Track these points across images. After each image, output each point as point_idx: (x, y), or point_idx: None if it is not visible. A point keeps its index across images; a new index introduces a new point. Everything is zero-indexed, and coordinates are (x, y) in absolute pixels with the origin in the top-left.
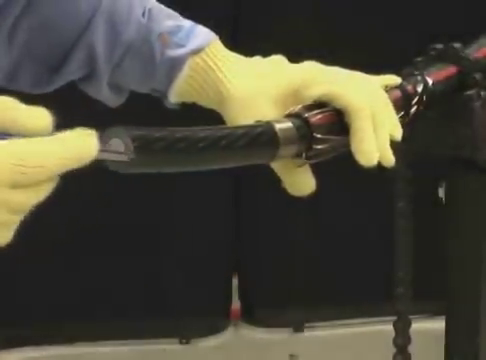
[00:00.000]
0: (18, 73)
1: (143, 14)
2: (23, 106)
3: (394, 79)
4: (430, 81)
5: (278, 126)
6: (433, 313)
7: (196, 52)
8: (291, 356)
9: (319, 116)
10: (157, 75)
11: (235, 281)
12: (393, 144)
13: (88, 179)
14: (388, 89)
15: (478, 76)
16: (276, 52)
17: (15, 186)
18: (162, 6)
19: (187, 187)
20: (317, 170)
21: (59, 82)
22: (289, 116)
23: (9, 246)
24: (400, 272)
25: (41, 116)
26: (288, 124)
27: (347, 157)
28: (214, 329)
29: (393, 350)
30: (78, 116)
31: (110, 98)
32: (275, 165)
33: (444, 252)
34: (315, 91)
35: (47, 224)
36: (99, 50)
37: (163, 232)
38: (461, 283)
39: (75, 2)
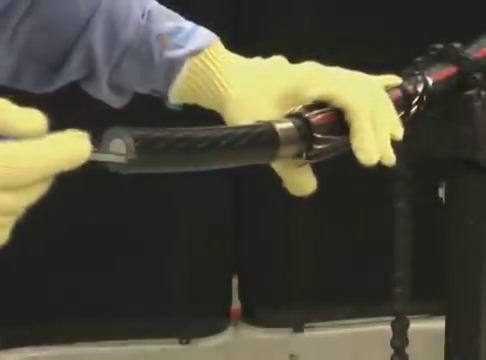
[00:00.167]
0: (21, 73)
1: (142, 15)
2: (15, 108)
3: (394, 79)
4: (430, 81)
5: (279, 126)
6: (433, 313)
7: (195, 53)
8: (291, 356)
9: (319, 116)
10: (156, 76)
11: (235, 281)
12: (394, 144)
13: (88, 179)
14: (388, 89)
15: (478, 76)
16: (276, 52)
17: (4, 188)
18: (163, 7)
19: (187, 187)
20: (317, 170)
21: (60, 82)
22: (289, 116)
23: (9, 246)
24: (399, 272)
25: (33, 118)
26: (289, 124)
27: (347, 158)
28: (214, 329)
29: (392, 350)
30: (78, 116)
31: (111, 98)
32: (276, 165)
33: (444, 252)
34: (315, 91)
35: (47, 224)
36: (98, 50)
37: (163, 232)
38: (461, 283)
39: (75, 2)
